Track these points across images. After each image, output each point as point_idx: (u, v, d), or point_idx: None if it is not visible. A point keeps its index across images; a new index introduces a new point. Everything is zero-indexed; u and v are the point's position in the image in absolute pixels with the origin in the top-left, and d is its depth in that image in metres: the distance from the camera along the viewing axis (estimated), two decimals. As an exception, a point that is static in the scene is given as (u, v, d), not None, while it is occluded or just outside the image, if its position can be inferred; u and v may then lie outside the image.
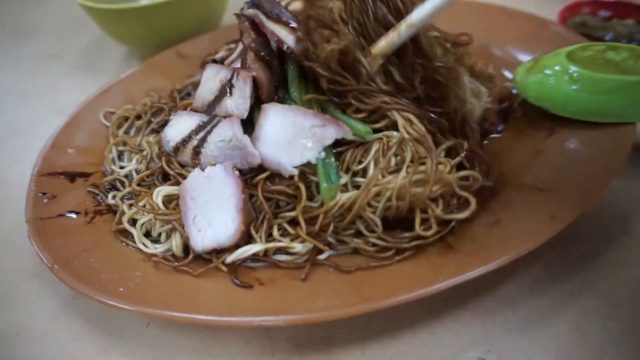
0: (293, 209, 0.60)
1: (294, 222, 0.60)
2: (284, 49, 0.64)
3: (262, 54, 0.64)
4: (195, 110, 0.72)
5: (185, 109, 0.77)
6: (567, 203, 0.57)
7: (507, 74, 0.83)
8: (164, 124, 0.79)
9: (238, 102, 0.65)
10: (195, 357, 0.56)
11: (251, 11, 0.66)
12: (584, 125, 0.67)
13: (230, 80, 0.67)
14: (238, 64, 0.75)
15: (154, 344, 0.58)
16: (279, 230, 0.61)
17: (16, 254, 0.71)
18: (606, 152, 0.63)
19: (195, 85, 0.87)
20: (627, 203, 0.66)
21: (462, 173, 0.56)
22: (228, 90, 0.67)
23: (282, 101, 0.67)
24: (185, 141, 0.68)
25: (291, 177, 0.59)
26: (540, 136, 0.70)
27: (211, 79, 0.72)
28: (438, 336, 0.54)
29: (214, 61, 0.87)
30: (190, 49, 0.95)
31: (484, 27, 0.90)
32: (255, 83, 0.65)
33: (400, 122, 0.57)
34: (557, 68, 0.69)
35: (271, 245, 0.57)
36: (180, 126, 0.70)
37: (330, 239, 0.59)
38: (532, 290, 0.57)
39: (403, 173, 0.54)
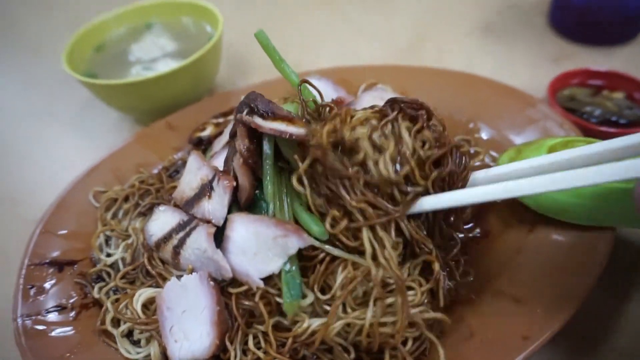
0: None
1: (267, 334, 0.61)
2: (287, 137, 0.62)
3: (250, 161, 0.65)
4: (175, 203, 0.73)
5: (171, 192, 0.79)
6: (541, 321, 0.57)
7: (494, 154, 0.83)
8: (151, 207, 0.80)
9: (216, 209, 0.66)
10: None
11: (247, 118, 0.65)
12: (565, 226, 0.66)
13: (211, 182, 0.68)
14: (221, 157, 0.75)
15: None
16: (254, 338, 0.62)
17: (2, 340, 0.72)
18: (584, 259, 0.62)
19: (184, 162, 0.89)
20: (603, 308, 0.65)
21: (429, 316, 0.56)
22: (208, 193, 0.68)
23: (256, 199, 0.67)
24: (166, 238, 0.69)
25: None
26: (522, 232, 0.70)
27: (193, 173, 0.73)
28: None
29: (200, 140, 0.88)
30: (180, 120, 0.96)
31: (471, 101, 0.90)
32: (236, 187, 0.66)
33: (368, 250, 0.56)
34: (538, 164, 0.69)
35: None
36: (161, 221, 0.71)
37: (305, 352, 0.60)
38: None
39: (370, 311, 0.54)
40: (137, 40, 1.12)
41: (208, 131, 0.89)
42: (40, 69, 1.37)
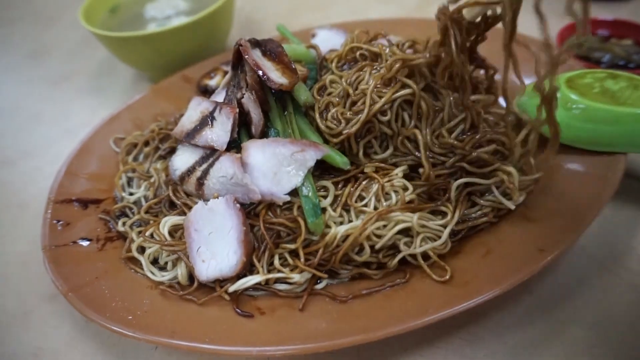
0: (293, 240, 0.63)
1: (294, 253, 0.63)
2: (264, 80, 0.65)
3: (260, 93, 0.67)
4: (175, 137, 0.76)
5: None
6: (555, 235, 0.59)
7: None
8: (171, 150, 0.82)
9: (219, 135, 0.68)
10: (200, 381, 0.60)
11: (245, 42, 0.68)
12: (577, 152, 0.68)
13: (212, 113, 0.71)
14: (221, 95, 0.77)
15: (161, 367, 0.62)
16: (280, 259, 0.64)
17: (32, 276, 0.75)
18: (596, 181, 0.64)
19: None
20: (615, 231, 0.67)
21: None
22: (209, 122, 0.70)
23: (266, 130, 0.70)
24: (190, 171, 0.71)
25: (286, 203, 0.63)
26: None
27: (193, 109, 0.76)
28: (430, 364, 0.57)
29: (206, 89, 0.91)
30: (195, 73, 0.98)
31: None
32: (249, 121, 0.68)
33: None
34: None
35: (271, 276, 0.61)
36: (185, 156, 0.73)
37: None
38: (522, 321, 0.59)
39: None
40: (151, 1, 1.14)
41: (216, 80, 0.92)
42: (53, 37, 1.39)
